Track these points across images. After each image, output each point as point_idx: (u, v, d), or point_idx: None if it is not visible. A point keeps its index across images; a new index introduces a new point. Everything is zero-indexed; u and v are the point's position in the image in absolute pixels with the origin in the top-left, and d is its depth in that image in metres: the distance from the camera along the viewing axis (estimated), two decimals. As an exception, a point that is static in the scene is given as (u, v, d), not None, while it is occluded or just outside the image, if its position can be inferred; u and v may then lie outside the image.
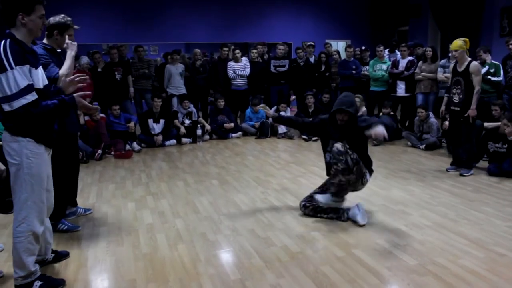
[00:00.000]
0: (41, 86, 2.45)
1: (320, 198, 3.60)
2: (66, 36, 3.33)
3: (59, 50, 3.42)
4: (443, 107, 5.27)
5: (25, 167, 2.41)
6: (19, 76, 2.27)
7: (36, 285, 2.57)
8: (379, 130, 3.23)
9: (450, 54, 6.63)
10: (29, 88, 2.31)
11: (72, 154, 3.65)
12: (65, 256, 3.04)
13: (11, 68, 2.25)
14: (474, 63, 4.87)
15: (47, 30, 3.32)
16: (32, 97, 2.31)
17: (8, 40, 2.32)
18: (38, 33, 2.46)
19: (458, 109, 4.97)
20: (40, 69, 2.53)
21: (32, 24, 2.38)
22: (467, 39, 4.91)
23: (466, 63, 4.87)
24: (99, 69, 7.52)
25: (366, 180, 3.64)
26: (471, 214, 3.76)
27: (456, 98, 5.00)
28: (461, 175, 4.97)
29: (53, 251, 2.96)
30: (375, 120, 3.50)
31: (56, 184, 2.84)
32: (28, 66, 2.34)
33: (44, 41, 3.35)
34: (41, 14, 2.41)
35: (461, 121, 4.99)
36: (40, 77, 2.48)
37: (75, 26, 3.39)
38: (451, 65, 5.19)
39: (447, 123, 6.18)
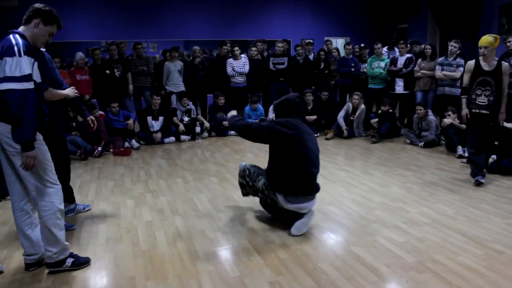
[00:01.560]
0: (38, 80, 2.59)
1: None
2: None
3: (43, 49, 3.38)
4: (466, 110, 4.63)
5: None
6: (24, 64, 2.42)
7: (68, 262, 2.73)
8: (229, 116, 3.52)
9: (448, 51, 6.65)
10: (29, 77, 2.45)
11: (60, 154, 3.56)
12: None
13: (20, 55, 2.41)
14: (506, 63, 4.52)
15: None
16: (29, 85, 2.43)
17: (17, 35, 2.51)
18: (37, 43, 2.67)
19: (488, 112, 4.47)
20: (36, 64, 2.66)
21: (40, 33, 2.63)
22: (497, 36, 4.43)
23: (495, 63, 4.45)
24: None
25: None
26: (469, 211, 3.77)
27: (483, 100, 4.47)
28: (480, 182, 4.52)
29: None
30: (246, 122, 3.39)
31: None
32: (33, 59, 2.52)
33: None
34: (52, 32, 2.71)
35: (491, 125, 4.57)
36: (38, 73, 2.61)
37: None
38: (471, 63, 4.59)
39: (446, 120, 6.18)
